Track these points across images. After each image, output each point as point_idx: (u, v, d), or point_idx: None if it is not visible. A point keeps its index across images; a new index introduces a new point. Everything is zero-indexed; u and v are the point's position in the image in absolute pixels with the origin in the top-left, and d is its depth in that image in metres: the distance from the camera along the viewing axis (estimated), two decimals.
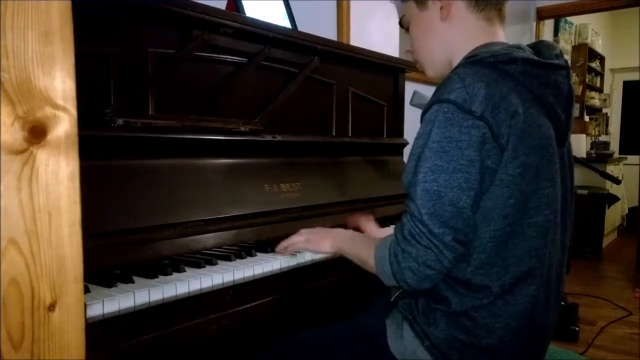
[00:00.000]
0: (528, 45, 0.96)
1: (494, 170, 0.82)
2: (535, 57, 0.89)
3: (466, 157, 0.81)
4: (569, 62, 5.35)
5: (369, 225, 1.28)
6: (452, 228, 0.82)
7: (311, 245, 1.11)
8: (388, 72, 1.94)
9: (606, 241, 5.01)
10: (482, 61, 0.86)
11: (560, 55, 0.94)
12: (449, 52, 0.98)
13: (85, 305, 0.69)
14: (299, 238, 1.13)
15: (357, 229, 1.26)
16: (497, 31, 0.97)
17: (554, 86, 0.89)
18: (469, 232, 0.84)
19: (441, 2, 0.96)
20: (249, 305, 1.00)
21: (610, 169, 4.70)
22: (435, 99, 0.85)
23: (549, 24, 4.79)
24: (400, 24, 1.06)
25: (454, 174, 0.81)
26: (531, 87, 0.86)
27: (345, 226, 1.38)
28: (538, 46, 0.95)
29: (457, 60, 0.94)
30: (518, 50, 0.89)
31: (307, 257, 1.16)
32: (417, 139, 0.87)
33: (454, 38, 0.97)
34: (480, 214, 0.84)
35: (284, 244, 1.14)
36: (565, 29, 5.24)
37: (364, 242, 1.01)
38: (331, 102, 1.70)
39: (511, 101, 0.82)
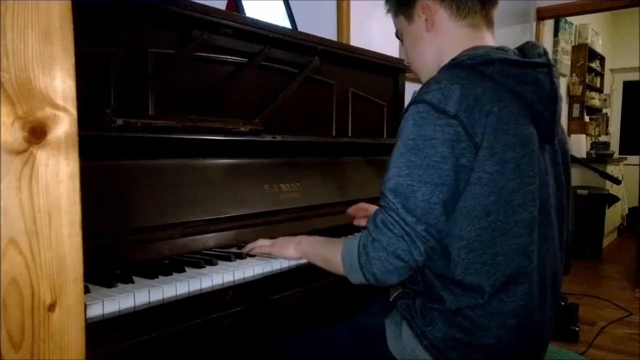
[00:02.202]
0: (516, 48, 0.98)
1: (469, 169, 0.84)
2: (513, 57, 0.91)
3: (439, 153, 0.82)
4: (569, 62, 5.38)
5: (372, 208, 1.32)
6: (424, 223, 0.83)
7: (275, 248, 1.10)
8: (388, 72, 1.94)
9: (606, 241, 5.00)
10: (460, 64, 0.89)
11: (543, 53, 0.95)
12: (439, 60, 1.00)
13: (85, 305, 0.69)
14: (266, 242, 1.13)
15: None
16: (484, 36, 0.99)
17: (534, 84, 0.90)
18: (440, 230, 0.84)
19: (425, 15, 0.99)
20: (248, 306, 1.00)
21: (610, 169, 4.70)
22: (413, 100, 0.88)
23: (549, 24, 4.79)
24: (397, 36, 1.10)
25: (427, 170, 0.82)
26: (509, 86, 0.88)
27: (345, 226, 1.40)
28: (524, 47, 0.98)
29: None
30: (498, 51, 0.92)
31: None
32: (397, 137, 0.89)
33: (441, 46, 0.99)
34: (462, 215, 0.85)
35: (250, 245, 1.14)
36: (565, 29, 5.24)
37: (330, 242, 1.01)
38: (331, 102, 1.70)
39: (486, 101, 0.84)
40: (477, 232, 0.85)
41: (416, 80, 2.70)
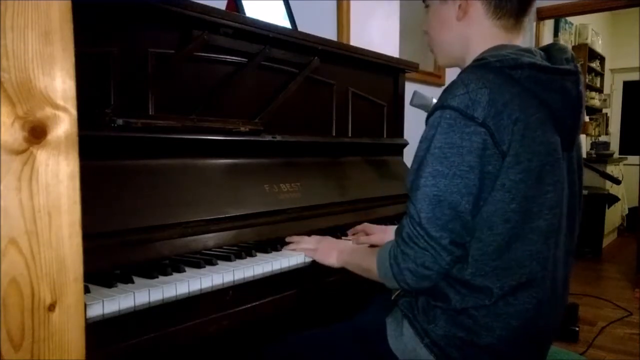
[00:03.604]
0: (540, 48, 0.95)
1: (494, 175, 0.83)
2: (543, 63, 0.89)
3: (466, 162, 0.82)
4: None
5: (372, 228, 1.33)
6: (450, 231, 0.83)
7: (318, 255, 1.15)
8: (388, 72, 1.94)
9: (606, 241, 5.01)
10: (488, 65, 0.86)
11: (571, 59, 0.93)
12: (462, 50, 0.98)
13: (85, 305, 0.69)
14: (308, 246, 1.18)
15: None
16: (514, 40, 0.96)
17: (561, 91, 0.89)
18: (466, 235, 0.85)
19: (460, 1, 0.96)
20: (248, 306, 1.00)
21: (610, 169, 4.70)
22: (439, 105, 0.86)
23: (549, 24, 4.79)
24: (424, 2, 1.06)
25: (454, 179, 0.82)
26: (536, 92, 0.86)
27: (345, 226, 1.40)
28: (550, 50, 0.95)
29: (468, 59, 0.95)
30: (527, 54, 0.89)
31: (307, 258, 1.16)
32: (420, 142, 0.88)
33: (468, 38, 0.97)
34: (482, 219, 0.85)
35: (293, 246, 1.19)
36: (565, 29, 5.24)
37: (367, 252, 1.05)
38: (331, 102, 1.70)
39: (514, 107, 0.83)
40: (493, 238, 0.85)
41: (416, 80, 2.69)
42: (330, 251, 1.14)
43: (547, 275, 0.89)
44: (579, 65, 0.94)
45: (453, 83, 0.86)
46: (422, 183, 0.84)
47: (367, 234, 1.34)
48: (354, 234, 1.37)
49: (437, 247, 0.83)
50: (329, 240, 1.20)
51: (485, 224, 0.85)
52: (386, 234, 1.31)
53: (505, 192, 0.83)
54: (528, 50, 0.91)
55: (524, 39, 0.99)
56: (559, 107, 0.89)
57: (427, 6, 1.05)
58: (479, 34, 0.96)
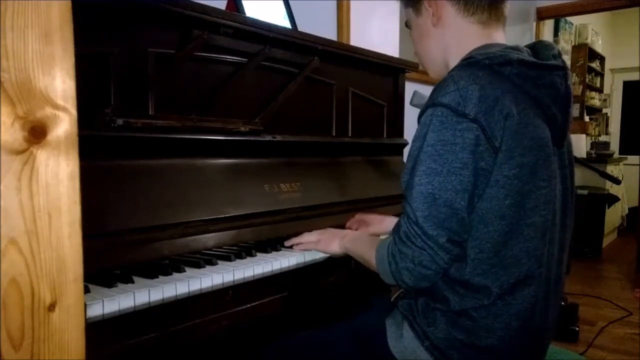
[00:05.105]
0: (526, 46, 0.96)
1: (488, 172, 0.83)
2: (531, 59, 0.89)
3: (460, 159, 0.82)
4: (569, 62, 5.38)
5: (369, 218, 1.34)
6: (447, 229, 0.83)
7: (320, 245, 1.16)
8: (388, 72, 1.94)
9: (606, 241, 5.01)
10: (477, 63, 0.86)
11: (557, 55, 0.94)
12: (446, 55, 0.99)
13: (85, 305, 0.69)
14: (311, 238, 1.18)
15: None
16: (494, 34, 0.97)
17: (550, 87, 0.90)
18: (463, 233, 0.85)
19: (431, 9, 0.97)
20: (248, 306, 1.01)
21: (610, 169, 4.70)
22: (430, 103, 0.86)
23: (549, 24, 4.79)
24: (406, 25, 1.09)
25: (448, 176, 0.82)
26: (526, 89, 0.87)
27: (343, 226, 1.40)
28: (536, 47, 0.96)
29: (453, 62, 0.95)
30: (514, 51, 0.90)
31: (307, 258, 1.16)
32: (413, 141, 0.88)
33: (448, 42, 0.98)
34: (477, 216, 0.85)
35: (295, 240, 1.19)
36: (565, 29, 5.24)
37: (368, 242, 1.04)
38: (331, 102, 1.70)
39: (505, 103, 0.83)
40: (489, 235, 0.85)
41: (416, 80, 2.70)
42: (332, 240, 1.15)
43: (543, 272, 0.89)
44: (565, 60, 0.95)
45: (443, 81, 0.86)
46: (417, 182, 0.84)
47: (364, 223, 1.35)
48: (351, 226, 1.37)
49: (435, 246, 0.83)
50: (331, 231, 1.20)
51: (481, 220, 0.85)
52: (383, 224, 1.32)
53: (500, 188, 0.84)
54: (515, 48, 0.92)
55: (505, 33, 0.99)
56: (548, 102, 0.89)
57: (409, 27, 1.07)
58: (457, 35, 0.97)
